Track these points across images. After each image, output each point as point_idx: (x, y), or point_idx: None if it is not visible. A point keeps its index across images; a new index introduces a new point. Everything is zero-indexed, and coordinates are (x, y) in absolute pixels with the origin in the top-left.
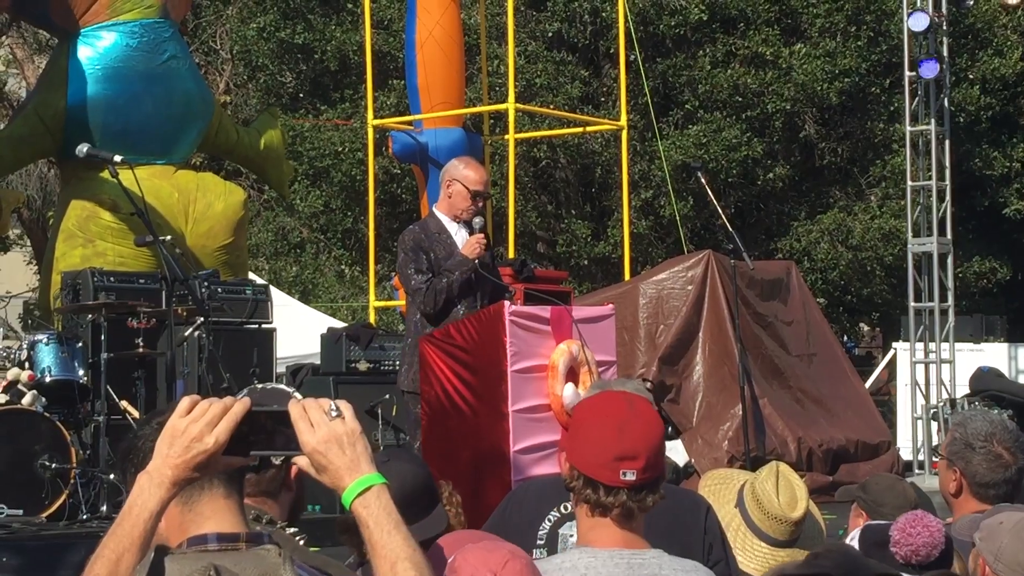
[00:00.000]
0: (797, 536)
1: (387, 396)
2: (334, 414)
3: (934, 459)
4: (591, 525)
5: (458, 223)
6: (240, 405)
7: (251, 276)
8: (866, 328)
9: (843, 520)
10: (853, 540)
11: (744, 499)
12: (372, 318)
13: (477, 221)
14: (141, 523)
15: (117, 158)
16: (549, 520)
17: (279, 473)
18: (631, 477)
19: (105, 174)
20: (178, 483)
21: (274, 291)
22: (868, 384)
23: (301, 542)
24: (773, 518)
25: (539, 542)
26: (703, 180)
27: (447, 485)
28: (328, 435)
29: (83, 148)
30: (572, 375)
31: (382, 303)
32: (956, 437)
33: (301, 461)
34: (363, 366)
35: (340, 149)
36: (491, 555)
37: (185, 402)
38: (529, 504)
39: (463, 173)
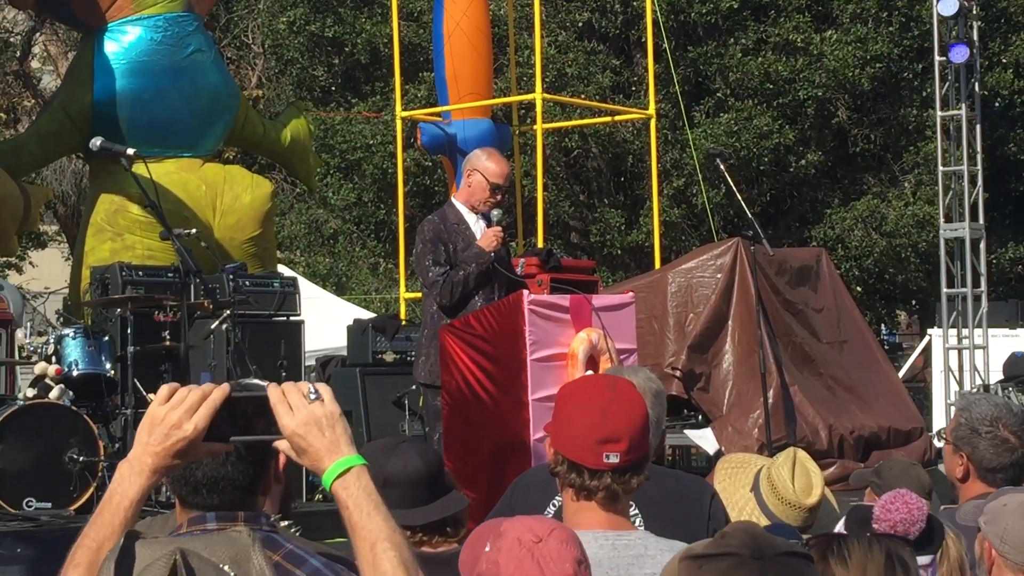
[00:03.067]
0: (811, 522)
1: (413, 387)
2: (313, 397)
3: (936, 444)
4: (576, 509)
5: (476, 215)
6: (219, 392)
7: (286, 269)
8: (903, 316)
9: None
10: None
11: (760, 484)
12: (403, 310)
13: (495, 213)
14: (121, 511)
15: (130, 151)
16: (553, 506)
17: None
18: (615, 460)
19: (140, 169)
20: (158, 471)
21: (304, 283)
22: (903, 371)
23: (297, 534)
24: (788, 504)
25: None
26: (723, 167)
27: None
28: (307, 418)
29: (96, 141)
30: (592, 363)
31: (412, 295)
32: (961, 422)
33: (281, 445)
34: (389, 357)
35: (371, 142)
36: (538, 522)
37: (164, 390)
38: (534, 491)
39: (485, 164)
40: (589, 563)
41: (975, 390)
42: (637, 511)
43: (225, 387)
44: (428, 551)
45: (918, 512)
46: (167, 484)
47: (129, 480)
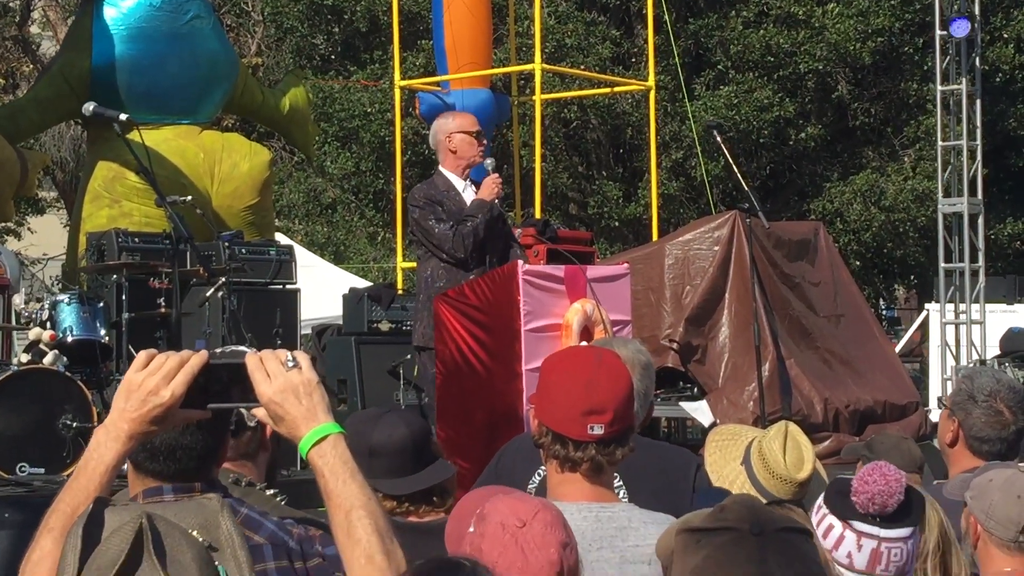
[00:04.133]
0: (802, 496)
1: (408, 356)
2: (291, 364)
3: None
4: (560, 480)
5: (465, 180)
6: (197, 358)
7: (284, 238)
8: (901, 290)
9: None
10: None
11: (751, 457)
12: (400, 279)
13: (489, 162)
14: (97, 476)
15: (123, 116)
16: (539, 475)
17: (255, 434)
18: (599, 431)
19: (133, 135)
20: (135, 437)
21: (301, 252)
22: (900, 346)
23: (283, 503)
24: (778, 478)
25: None
26: (719, 139)
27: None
28: (284, 385)
29: (89, 106)
30: (586, 334)
31: (409, 264)
32: (961, 388)
33: (258, 412)
34: (385, 326)
35: (370, 110)
36: (522, 504)
37: (142, 356)
38: (520, 459)
39: (457, 123)
40: (575, 543)
41: (972, 365)
42: (621, 483)
43: (203, 354)
44: (415, 520)
45: (896, 484)
46: None
47: (105, 446)
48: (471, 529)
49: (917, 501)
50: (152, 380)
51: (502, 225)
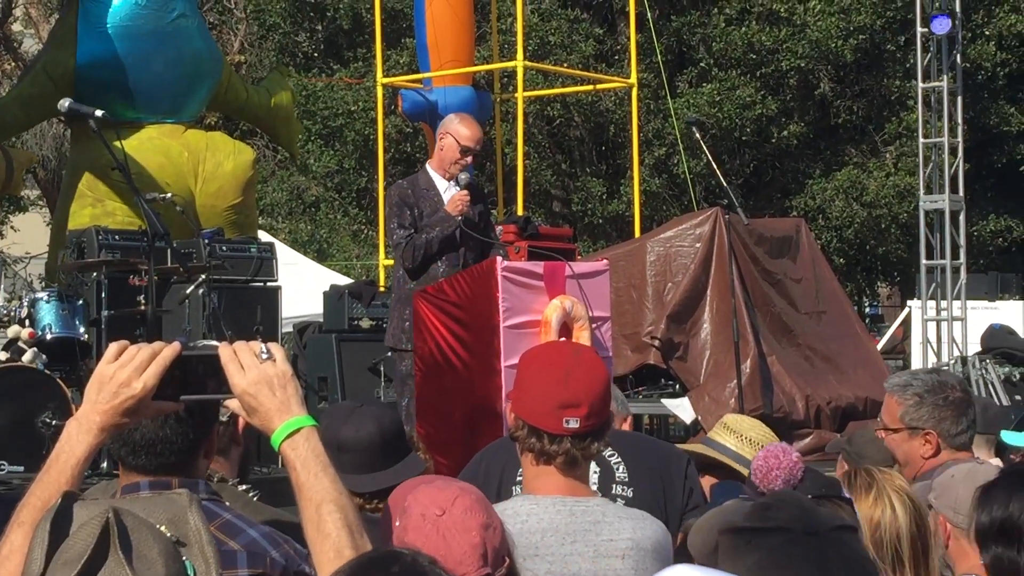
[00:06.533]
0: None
1: (389, 353)
2: (265, 356)
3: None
4: (535, 473)
5: (449, 180)
6: (169, 350)
7: (267, 236)
8: (884, 288)
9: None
10: None
11: (716, 440)
12: (382, 277)
13: (463, 177)
14: (68, 469)
15: (98, 112)
16: (522, 475)
17: (227, 429)
18: (574, 425)
19: (109, 132)
20: (106, 429)
21: (283, 249)
22: (883, 342)
23: (255, 499)
24: (758, 445)
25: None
26: (698, 135)
27: (408, 430)
28: (258, 377)
29: (65, 103)
30: (565, 330)
31: (391, 262)
32: (910, 403)
33: (232, 403)
34: (365, 323)
35: (353, 108)
36: (440, 492)
37: (114, 348)
38: (501, 460)
39: (456, 128)
40: (500, 524)
41: (954, 362)
42: (620, 460)
43: (176, 345)
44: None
45: (788, 462)
46: (107, 445)
47: (77, 438)
48: (396, 523)
49: (813, 481)
50: (124, 372)
51: (484, 228)
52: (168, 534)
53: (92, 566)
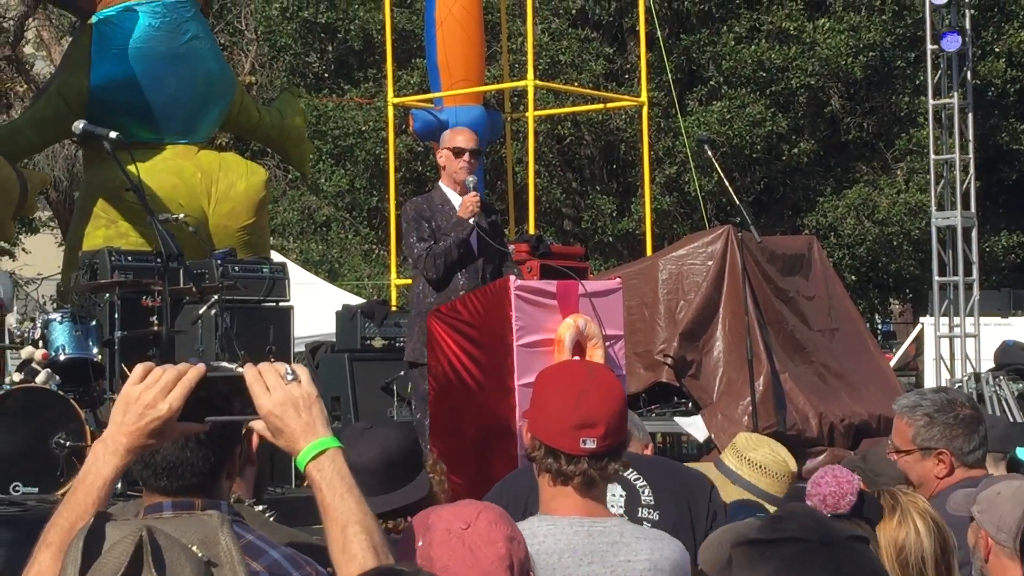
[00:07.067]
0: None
1: (402, 373)
2: (290, 378)
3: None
4: (553, 494)
5: (462, 195)
6: (194, 371)
7: (279, 256)
8: (896, 304)
9: None
10: None
11: (727, 465)
12: (394, 296)
13: (470, 180)
14: (95, 491)
15: (112, 134)
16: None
17: (242, 448)
18: (591, 445)
19: (123, 154)
20: (133, 451)
21: (295, 269)
22: (895, 359)
23: (271, 519)
24: (772, 476)
25: None
26: (710, 153)
27: (432, 453)
28: (284, 398)
29: (79, 125)
30: (579, 349)
31: (403, 281)
32: (922, 424)
33: (257, 425)
34: (378, 343)
35: (364, 128)
36: (464, 508)
37: (139, 369)
38: (525, 486)
39: (445, 139)
40: (523, 538)
41: (967, 379)
42: (645, 482)
43: (201, 367)
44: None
45: (847, 485)
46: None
47: (103, 460)
48: (419, 544)
49: (871, 503)
50: (149, 393)
51: (496, 237)
52: (200, 554)
53: None
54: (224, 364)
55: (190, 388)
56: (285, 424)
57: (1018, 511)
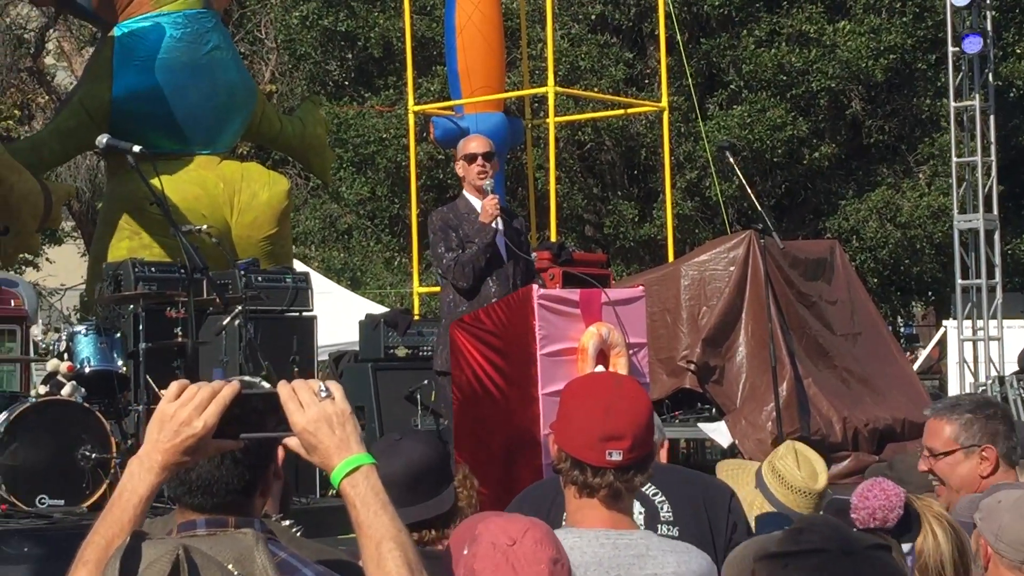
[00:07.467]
0: (820, 509)
1: (426, 382)
2: (324, 395)
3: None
4: (578, 506)
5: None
6: (229, 389)
7: (300, 265)
8: (918, 308)
9: None
10: None
11: (764, 478)
12: (416, 304)
13: (487, 184)
14: (131, 508)
15: (136, 148)
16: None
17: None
18: (617, 457)
19: (147, 167)
20: (168, 468)
21: (317, 278)
22: (919, 363)
23: (298, 533)
24: (797, 492)
25: None
26: (731, 160)
27: (463, 468)
28: (318, 415)
29: (103, 139)
30: (602, 358)
31: (425, 289)
32: (965, 420)
33: (291, 442)
34: (401, 352)
35: (385, 136)
36: (511, 524)
37: (174, 387)
38: (543, 501)
39: (459, 148)
40: (567, 560)
41: (991, 382)
42: (664, 498)
43: (235, 384)
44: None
45: (895, 499)
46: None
47: (139, 477)
48: (465, 551)
49: (915, 515)
50: (185, 411)
51: (520, 244)
52: (236, 572)
53: None
54: (249, 378)
55: (225, 405)
56: (319, 441)
57: (1017, 523)
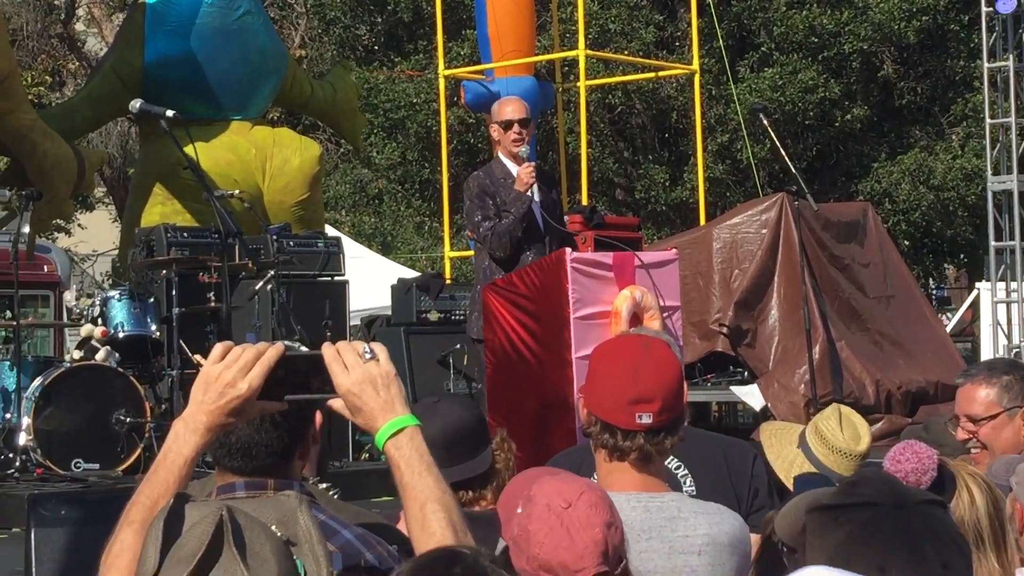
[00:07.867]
0: None
1: (458, 346)
2: (368, 356)
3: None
4: (609, 470)
5: (520, 165)
6: (273, 350)
7: (331, 229)
8: (951, 270)
9: None
10: None
11: (807, 439)
12: (448, 268)
13: (523, 151)
14: (176, 469)
15: (169, 112)
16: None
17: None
18: (647, 420)
19: (180, 132)
20: (213, 429)
21: (349, 243)
22: (951, 325)
23: (335, 496)
24: (838, 452)
25: None
26: (766, 122)
27: (501, 431)
28: (363, 376)
29: (136, 104)
30: (636, 320)
31: (457, 253)
32: (1008, 383)
33: (335, 403)
34: (433, 316)
35: (415, 100)
36: (567, 486)
37: (219, 348)
38: (572, 467)
39: (494, 111)
40: (621, 524)
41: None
42: (687, 471)
43: (279, 346)
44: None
45: (928, 461)
46: None
47: (184, 438)
48: (519, 510)
49: (949, 477)
50: (229, 372)
51: (556, 216)
52: (279, 533)
53: (206, 564)
54: (288, 343)
55: (269, 367)
56: (363, 402)
57: None
